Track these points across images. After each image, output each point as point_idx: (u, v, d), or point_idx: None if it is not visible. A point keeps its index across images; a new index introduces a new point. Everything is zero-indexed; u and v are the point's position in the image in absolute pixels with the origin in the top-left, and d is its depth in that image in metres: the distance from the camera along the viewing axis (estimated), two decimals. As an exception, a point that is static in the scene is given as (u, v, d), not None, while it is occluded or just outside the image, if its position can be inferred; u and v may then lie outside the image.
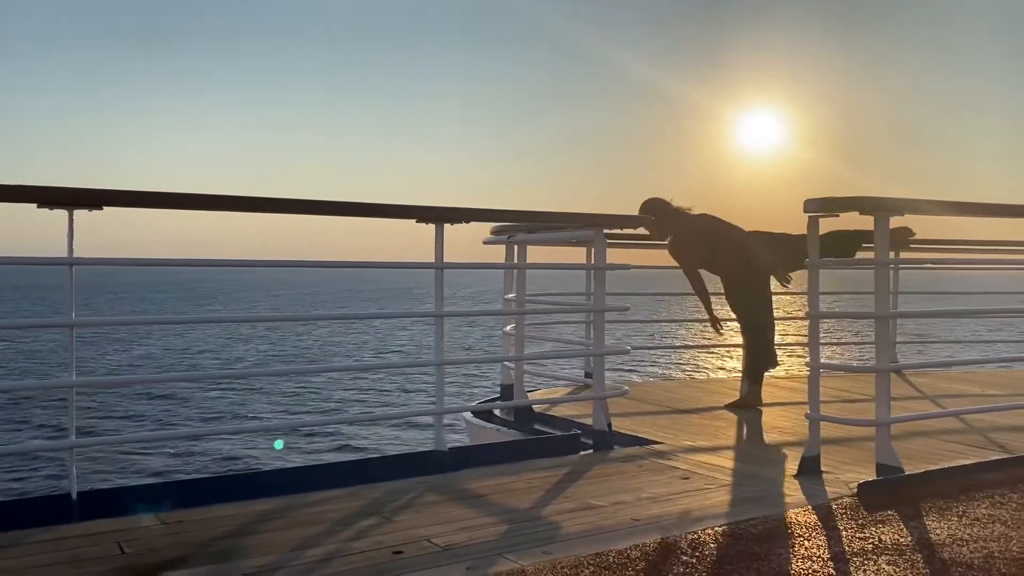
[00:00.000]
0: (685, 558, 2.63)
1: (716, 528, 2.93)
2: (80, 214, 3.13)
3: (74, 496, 3.13)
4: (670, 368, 27.18)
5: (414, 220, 3.93)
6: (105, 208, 3.18)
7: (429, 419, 3.94)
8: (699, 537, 2.82)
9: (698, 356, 30.01)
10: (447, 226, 3.94)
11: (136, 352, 31.56)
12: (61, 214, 3.11)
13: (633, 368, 24.83)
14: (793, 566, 2.56)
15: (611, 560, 2.58)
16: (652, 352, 29.44)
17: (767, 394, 5.88)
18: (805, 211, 3.81)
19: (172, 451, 14.89)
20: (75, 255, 3.14)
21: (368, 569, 2.53)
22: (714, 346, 5.67)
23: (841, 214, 3.88)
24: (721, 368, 25.84)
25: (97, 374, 25.60)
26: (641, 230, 5.51)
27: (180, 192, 3.43)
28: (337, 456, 14.37)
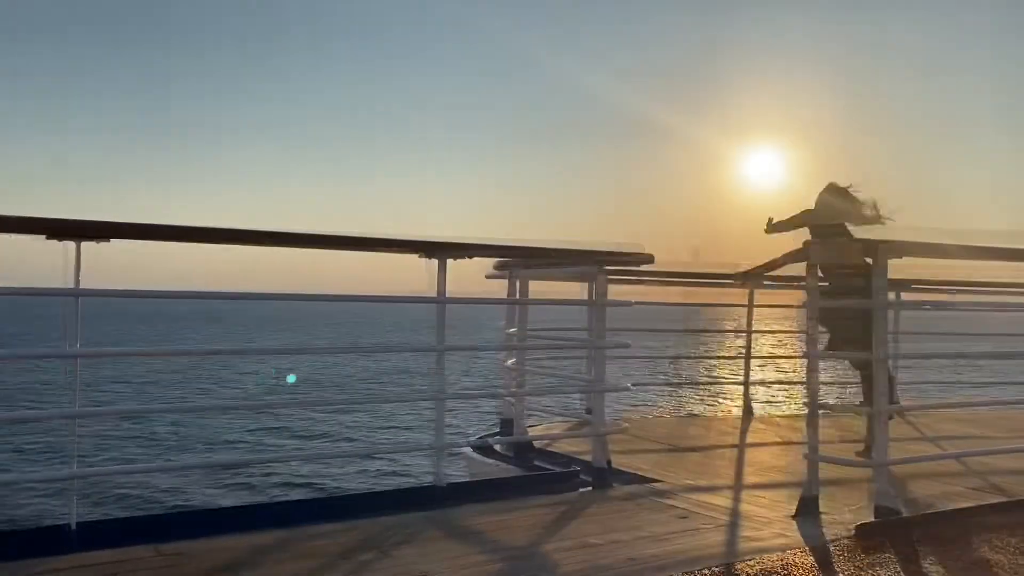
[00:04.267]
0: (681, 598, 2.63)
1: (713, 568, 2.93)
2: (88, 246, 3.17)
3: (73, 526, 3.14)
4: (671, 405, 27.02)
5: (417, 255, 3.97)
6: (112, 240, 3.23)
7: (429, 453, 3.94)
8: (696, 577, 2.83)
9: (700, 393, 29.85)
10: (449, 260, 3.98)
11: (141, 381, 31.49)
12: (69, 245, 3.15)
13: (634, 404, 24.72)
14: (789, 607, 2.56)
15: (607, 599, 2.58)
16: (653, 388, 29.28)
17: (768, 433, 5.85)
18: (808, 254, 3.85)
19: (173, 482, 14.81)
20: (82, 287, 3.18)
21: (365, 604, 2.53)
22: (716, 383, 5.64)
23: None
24: (725, 402, 25.69)
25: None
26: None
27: (182, 225, 3.49)
28: (336, 490, 14.30)
